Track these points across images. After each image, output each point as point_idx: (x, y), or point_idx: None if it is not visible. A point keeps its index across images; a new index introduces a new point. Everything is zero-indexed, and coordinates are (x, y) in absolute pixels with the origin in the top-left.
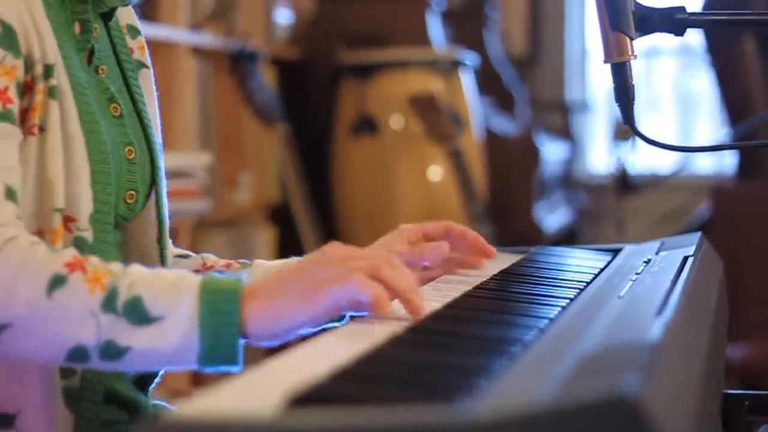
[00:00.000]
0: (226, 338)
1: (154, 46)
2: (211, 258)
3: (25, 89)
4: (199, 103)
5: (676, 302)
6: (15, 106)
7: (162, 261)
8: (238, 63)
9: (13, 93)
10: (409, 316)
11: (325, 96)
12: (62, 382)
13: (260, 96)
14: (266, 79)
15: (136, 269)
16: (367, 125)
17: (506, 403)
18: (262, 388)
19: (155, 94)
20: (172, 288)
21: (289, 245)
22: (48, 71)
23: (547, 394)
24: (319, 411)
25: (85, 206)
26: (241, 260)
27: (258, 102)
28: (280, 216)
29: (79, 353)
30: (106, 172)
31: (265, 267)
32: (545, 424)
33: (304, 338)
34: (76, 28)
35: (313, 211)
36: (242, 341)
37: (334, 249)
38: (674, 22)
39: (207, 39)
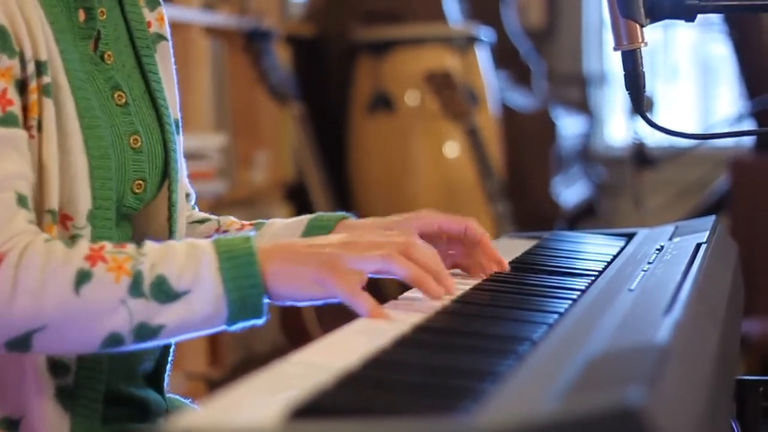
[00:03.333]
0: (252, 298)
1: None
2: (227, 221)
3: (21, 89)
4: (213, 83)
5: (686, 298)
6: (17, 108)
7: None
8: (253, 42)
9: (12, 94)
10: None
11: (341, 74)
12: (54, 381)
13: (275, 75)
14: (281, 57)
15: (151, 248)
16: (383, 102)
17: (510, 412)
18: (264, 396)
19: (173, 67)
20: (191, 259)
21: None
22: (40, 68)
23: (552, 402)
24: (321, 423)
25: (83, 203)
26: (255, 221)
27: (273, 81)
28: (296, 194)
29: (113, 340)
30: (106, 167)
31: (277, 225)
32: None
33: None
34: (81, 15)
35: (329, 189)
36: (266, 298)
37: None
38: (685, 8)
39: (221, 18)
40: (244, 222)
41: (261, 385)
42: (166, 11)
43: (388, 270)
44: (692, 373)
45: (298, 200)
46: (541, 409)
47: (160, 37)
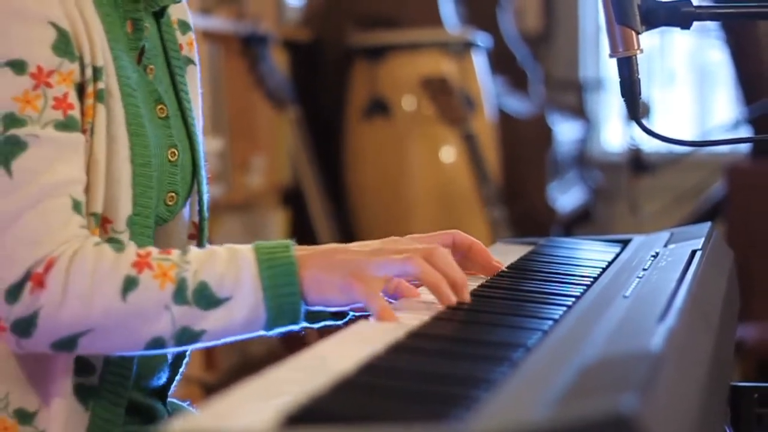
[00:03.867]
0: (289, 305)
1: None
2: None
3: (79, 93)
4: (210, 87)
5: (680, 305)
6: (77, 111)
7: None
8: (249, 47)
9: (73, 98)
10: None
11: (337, 78)
12: (76, 379)
13: (271, 79)
14: (278, 62)
15: (193, 254)
16: (379, 108)
17: (502, 419)
18: (259, 402)
19: (200, 91)
20: (232, 265)
21: (301, 228)
22: (96, 74)
23: (545, 409)
24: (315, 429)
25: (124, 208)
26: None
27: (269, 85)
28: (293, 199)
29: (156, 343)
30: (148, 175)
31: None
32: None
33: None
34: (128, 27)
35: (325, 194)
36: (303, 305)
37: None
38: (681, 15)
39: (218, 23)
40: None
41: (256, 391)
42: None
43: (407, 272)
44: (686, 379)
45: (295, 204)
46: (534, 416)
47: (190, 61)
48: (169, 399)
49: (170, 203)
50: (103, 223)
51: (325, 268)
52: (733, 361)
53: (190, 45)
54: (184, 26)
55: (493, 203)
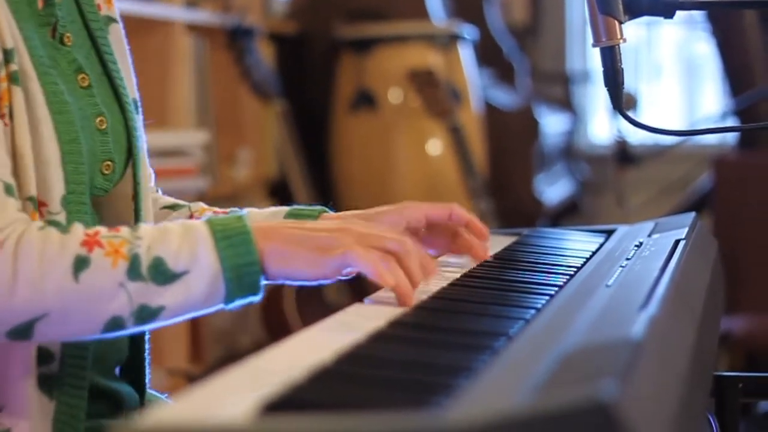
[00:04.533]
0: (248, 276)
1: (150, 23)
2: (198, 207)
3: None
4: (195, 80)
5: (662, 294)
6: None
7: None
8: (235, 39)
9: None
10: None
11: (323, 71)
12: (38, 369)
13: (257, 72)
14: (264, 54)
15: (146, 230)
16: (366, 100)
17: (482, 406)
18: (238, 391)
19: (127, 48)
20: (187, 240)
21: None
22: (7, 56)
23: (525, 397)
24: (294, 418)
25: (57, 189)
26: (229, 209)
27: (255, 78)
28: (279, 192)
29: (114, 324)
30: (77, 152)
31: (254, 214)
32: (520, 430)
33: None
34: (39, 2)
35: (311, 187)
36: (261, 275)
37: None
38: (663, 4)
39: (203, 15)
40: (216, 209)
41: (235, 380)
42: (148, 8)
43: (356, 265)
44: (667, 368)
45: (281, 197)
46: (513, 403)
47: (111, 20)
48: (148, 390)
49: (107, 172)
50: (37, 206)
51: (288, 240)
52: (717, 350)
53: (108, 3)
54: None
55: (480, 196)
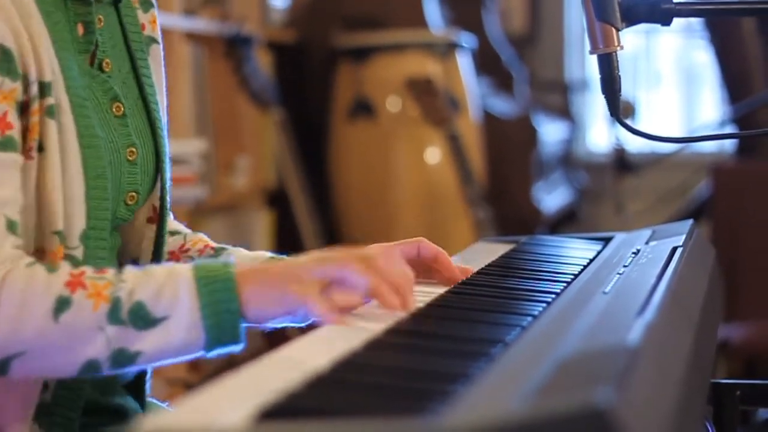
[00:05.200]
0: (229, 323)
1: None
2: (194, 238)
3: (22, 110)
4: (194, 88)
5: (659, 300)
6: (16, 131)
7: (158, 251)
8: (234, 48)
9: (12, 117)
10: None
11: (322, 79)
12: (39, 398)
13: (256, 80)
14: (262, 63)
15: (130, 273)
16: (364, 109)
17: (478, 413)
18: (235, 397)
19: (163, 69)
20: (169, 284)
21: (286, 229)
22: (44, 89)
23: (521, 403)
24: (291, 425)
25: (77, 224)
26: (217, 246)
27: (254, 86)
28: (277, 200)
29: (90, 366)
30: (102, 187)
31: (240, 255)
32: None
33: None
34: (79, 29)
35: (310, 195)
36: (243, 323)
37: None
38: (660, 12)
39: (201, 24)
40: (209, 243)
41: (232, 387)
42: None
43: (343, 276)
44: (663, 374)
45: (279, 206)
46: (509, 409)
47: (153, 41)
48: (148, 399)
49: (130, 203)
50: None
51: (263, 282)
52: (715, 357)
53: (152, 23)
54: (146, 4)
55: (478, 204)
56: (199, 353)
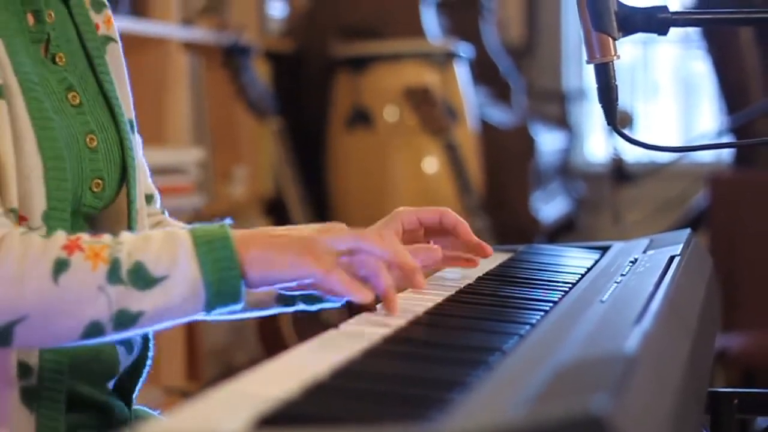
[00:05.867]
0: (229, 281)
1: (146, 42)
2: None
3: None
4: (192, 98)
5: (656, 309)
6: None
7: None
8: (231, 57)
9: None
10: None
11: (319, 89)
12: (19, 383)
13: (254, 90)
14: (260, 72)
15: (127, 236)
16: (362, 118)
17: (476, 420)
18: (233, 405)
19: (125, 68)
20: (167, 245)
21: None
22: None
23: (518, 410)
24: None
25: (38, 204)
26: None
27: (251, 96)
28: (275, 209)
29: (94, 329)
30: (61, 168)
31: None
32: None
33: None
34: (29, 19)
35: (307, 205)
36: (243, 282)
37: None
38: (657, 21)
39: (199, 33)
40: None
41: (230, 395)
42: (145, 26)
43: (359, 247)
44: (661, 382)
45: (277, 215)
46: (507, 417)
47: (109, 39)
48: (136, 406)
49: (96, 189)
50: (18, 220)
51: (270, 245)
52: (713, 367)
53: (107, 23)
54: (98, 5)
55: (476, 213)
56: (200, 313)
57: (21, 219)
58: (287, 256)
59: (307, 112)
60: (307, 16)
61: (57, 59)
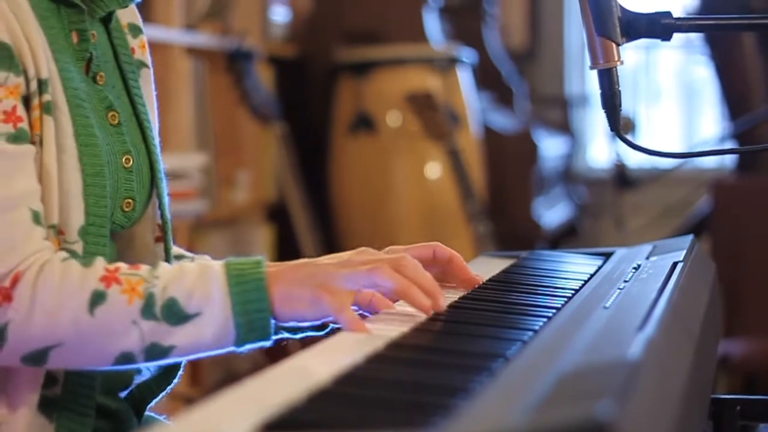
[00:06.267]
0: (259, 321)
1: (149, 46)
2: (204, 259)
3: (25, 106)
4: (195, 103)
5: (660, 315)
6: (26, 124)
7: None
8: (234, 62)
9: (21, 111)
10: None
11: (322, 94)
12: (42, 391)
13: (257, 95)
14: (263, 77)
15: (163, 269)
16: (365, 123)
17: (479, 427)
18: (237, 411)
19: (154, 94)
20: (201, 281)
21: (286, 244)
22: (42, 87)
23: (522, 417)
24: None
25: (76, 219)
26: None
27: (254, 101)
28: (278, 215)
29: (125, 359)
30: (101, 185)
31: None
32: None
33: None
34: (74, 38)
35: (310, 210)
36: (272, 320)
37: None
38: (661, 27)
39: (202, 39)
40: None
41: (234, 401)
42: (148, 31)
43: (374, 282)
44: (664, 389)
45: (280, 220)
46: (510, 423)
47: (143, 64)
48: (147, 413)
49: (127, 209)
50: (57, 233)
51: (294, 283)
52: (715, 372)
53: (142, 48)
54: (135, 30)
55: (478, 219)
56: (230, 348)
57: (58, 233)
58: (305, 293)
59: (310, 117)
60: (310, 21)
61: (98, 78)
